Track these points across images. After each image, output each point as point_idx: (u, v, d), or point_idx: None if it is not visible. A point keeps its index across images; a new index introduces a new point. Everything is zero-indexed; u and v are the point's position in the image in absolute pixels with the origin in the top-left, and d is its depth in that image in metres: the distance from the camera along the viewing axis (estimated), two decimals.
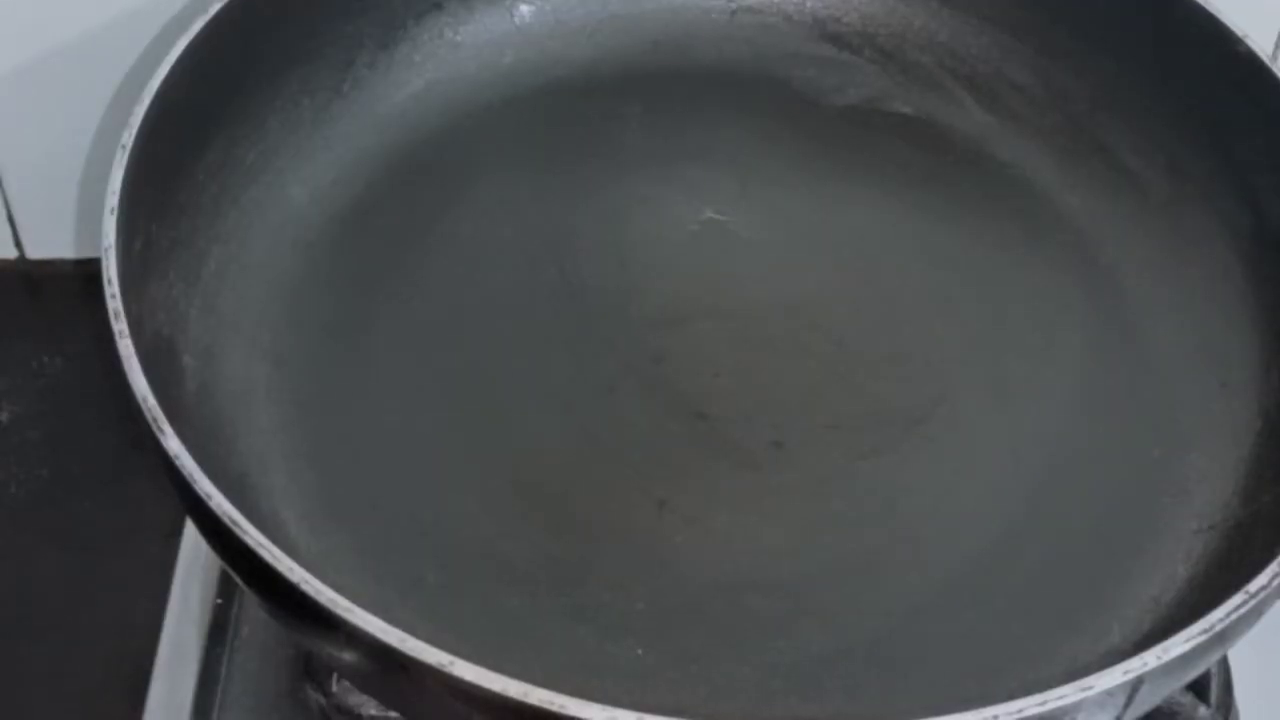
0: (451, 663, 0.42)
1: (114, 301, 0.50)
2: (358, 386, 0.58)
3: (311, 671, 0.57)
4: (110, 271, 0.51)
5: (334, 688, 0.57)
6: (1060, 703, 0.43)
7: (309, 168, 0.63)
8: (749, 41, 0.70)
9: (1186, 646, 0.45)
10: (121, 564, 0.66)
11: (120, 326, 0.50)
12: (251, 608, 0.61)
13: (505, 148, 0.66)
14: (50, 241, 0.76)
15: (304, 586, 0.44)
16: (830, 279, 0.63)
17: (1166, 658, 0.44)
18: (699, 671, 0.52)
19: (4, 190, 0.74)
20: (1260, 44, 0.60)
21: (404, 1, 0.66)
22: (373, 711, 0.56)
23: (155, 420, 0.47)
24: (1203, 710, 0.58)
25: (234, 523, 0.45)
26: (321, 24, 0.64)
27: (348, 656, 0.45)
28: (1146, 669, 0.44)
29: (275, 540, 0.45)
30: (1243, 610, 0.46)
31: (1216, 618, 0.45)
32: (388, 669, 0.44)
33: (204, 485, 0.46)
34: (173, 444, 0.47)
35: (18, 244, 0.77)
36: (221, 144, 0.60)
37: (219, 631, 0.61)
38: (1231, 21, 0.61)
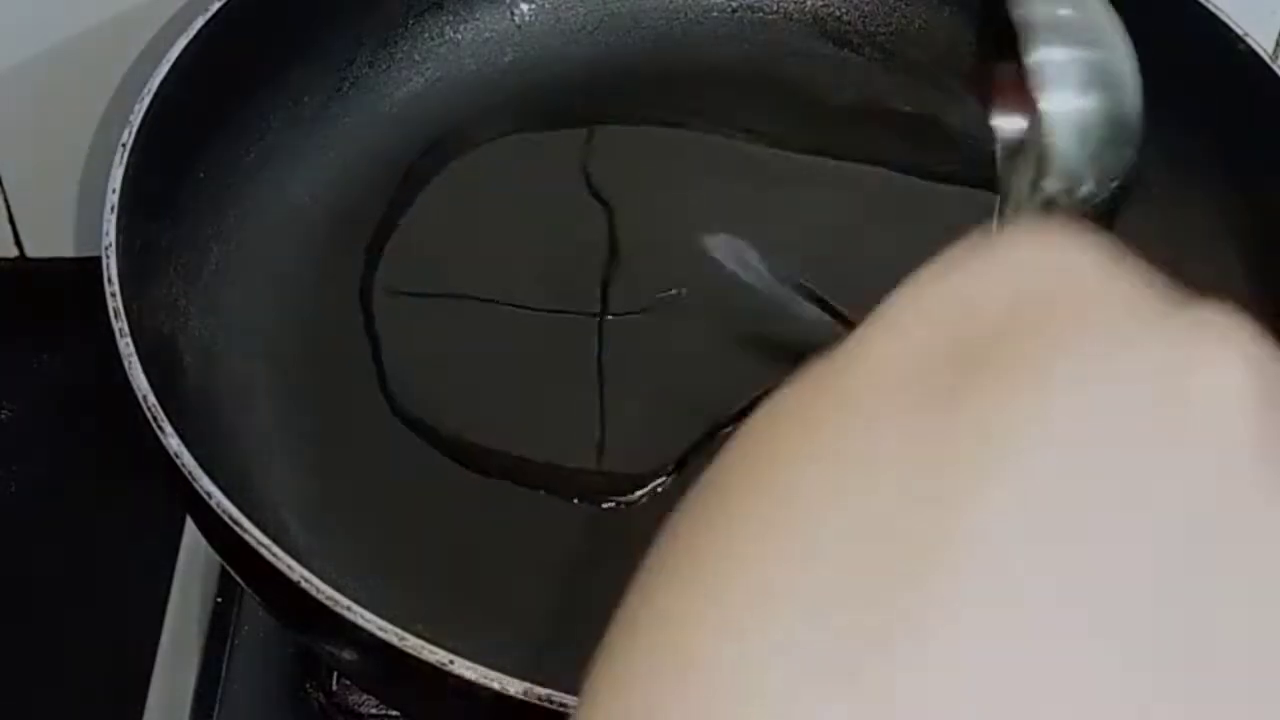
0: (451, 661, 0.42)
1: (114, 300, 0.50)
2: (358, 386, 0.58)
3: (311, 670, 0.57)
4: (110, 270, 0.51)
5: (334, 686, 0.57)
6: None
7: (309, 166, 0.63)
8: (750, 40, 0.70)
9: None
10: (121, 563, 0.66)
11: (120, 325, 0.50)
12: (251, 607, 0.61)
13: (505, 146, 0.66)
14: (50, 240, 0.76)
15: (304, 585, 0.44)
16: (831, 277, 0.63)
17: None
18: None
19: (4, 189, 0.74)
20: (1260, 43, 0.60)
21: (404, 0, 0.66)
22: (372, 710, 0.56)
23: (155, 419, 0.47)
24: None
25: (234, 522, 0.45)
26: (321, 23, 0.64)
27: (347, 655, 0.45)
28: None
29: (275, 539, 0.45)
30: None
31: None
32: (387, 668, 0.44)
33: (204, 484, 0.46)
34: (173, 443, 0.47)
35: (18, 243, 0.77)
36: (221, 142, 0.60)
37: (219, 630, 0.61)
38: (1232, 20, 0.61)
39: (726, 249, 0.59)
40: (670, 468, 0.56)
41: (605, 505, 0.55)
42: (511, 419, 0.58)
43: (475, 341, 0.60)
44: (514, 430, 0.57)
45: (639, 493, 0.55)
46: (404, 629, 0.43)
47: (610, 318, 0.61)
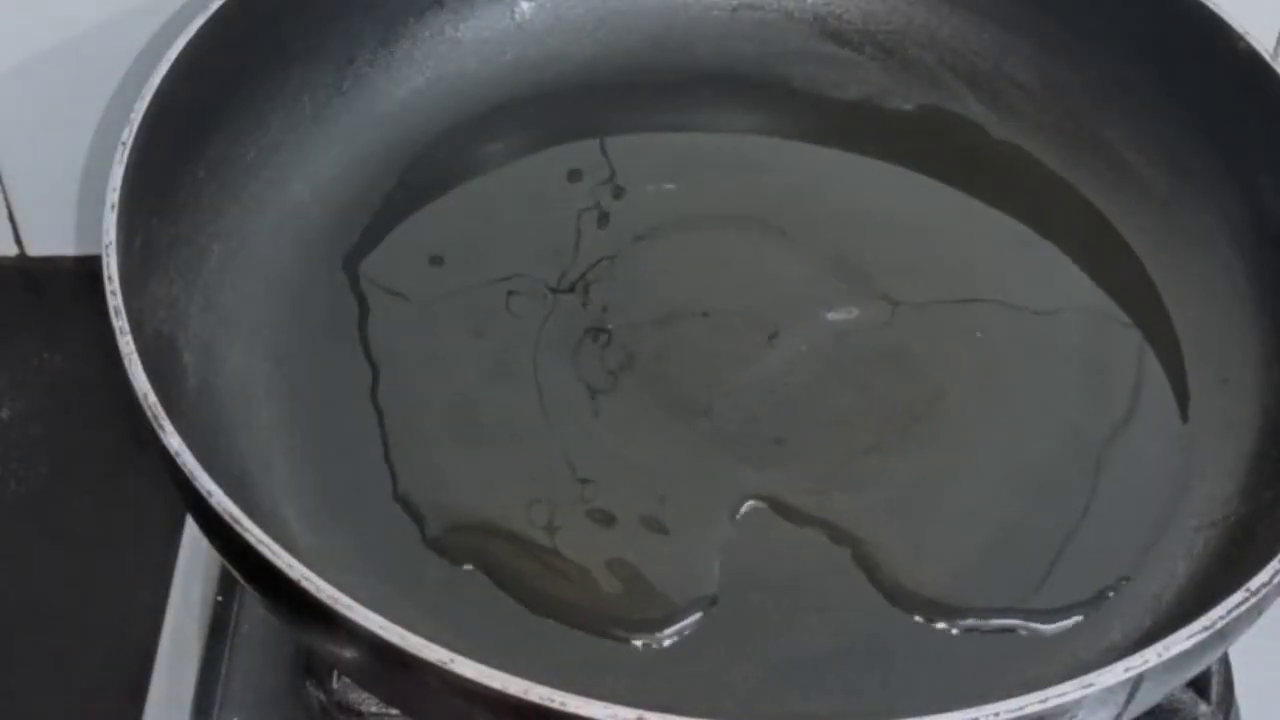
0: (452, 660, 0.42)
1: (114, 299, 0.50)
2: (358, 384, 0.58)
3: (312, 668, 0.57)
4: (111, 269, 0.51)
5: (334, 684, 0.57)
6: (1061, 700, 0.43)
7: (310, 165, 0.63)
8: (750, 39, 0.70)
9: (1187, 644, 0.45)
10: (122, 561, 0.66)
11: (121, 324, 0.50)
12: (252, 605, 0.61)
13: (506, 145, 0.66)
14: (51, 239, 0.76)
15: (304, 584, 0.44)
16: (831, 277, 0.63)
17: (1167, 655, 0.44)
18: (700, 669, 0.52)
19: (4, 188, 0.74)
20: (1261, 41, 0.60)
21: None
22: (373, 708, 0.56)
23: (155, 417, 0.47)
24: (1203, 707, 0.58)
25: (234, 520, 0.45)
26: (322, 21, 0.64)
27: (348, 653, 0.46)
28: (1147, 666, 0.44)
29: (275, 537, 0.45)
30: (1244, 608, 0.46)
31: (1217, 615, 0.45)
32: (388, 666, 0.44)
33: (204, 482, 0.46)
34: (173, 441, 0.47)
35: (18, 241, 0.77)
36: (222, 141, 0.60)
37: (219, 628, 0.61)
38: (1232, 18, 0.61)
39: None
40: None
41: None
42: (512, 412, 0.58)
43: (477, 337, 0.60)
44: (514, 422, 0.57)
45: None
46: (404, 627, 0.43)
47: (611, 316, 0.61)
